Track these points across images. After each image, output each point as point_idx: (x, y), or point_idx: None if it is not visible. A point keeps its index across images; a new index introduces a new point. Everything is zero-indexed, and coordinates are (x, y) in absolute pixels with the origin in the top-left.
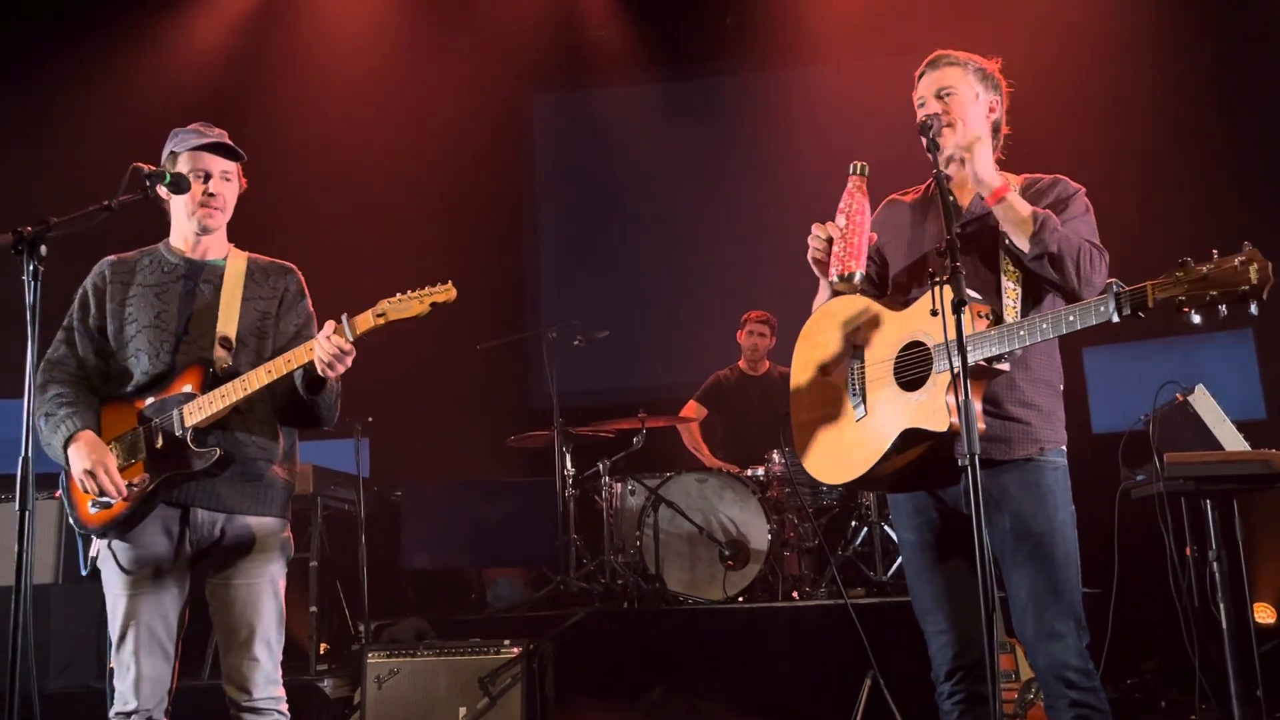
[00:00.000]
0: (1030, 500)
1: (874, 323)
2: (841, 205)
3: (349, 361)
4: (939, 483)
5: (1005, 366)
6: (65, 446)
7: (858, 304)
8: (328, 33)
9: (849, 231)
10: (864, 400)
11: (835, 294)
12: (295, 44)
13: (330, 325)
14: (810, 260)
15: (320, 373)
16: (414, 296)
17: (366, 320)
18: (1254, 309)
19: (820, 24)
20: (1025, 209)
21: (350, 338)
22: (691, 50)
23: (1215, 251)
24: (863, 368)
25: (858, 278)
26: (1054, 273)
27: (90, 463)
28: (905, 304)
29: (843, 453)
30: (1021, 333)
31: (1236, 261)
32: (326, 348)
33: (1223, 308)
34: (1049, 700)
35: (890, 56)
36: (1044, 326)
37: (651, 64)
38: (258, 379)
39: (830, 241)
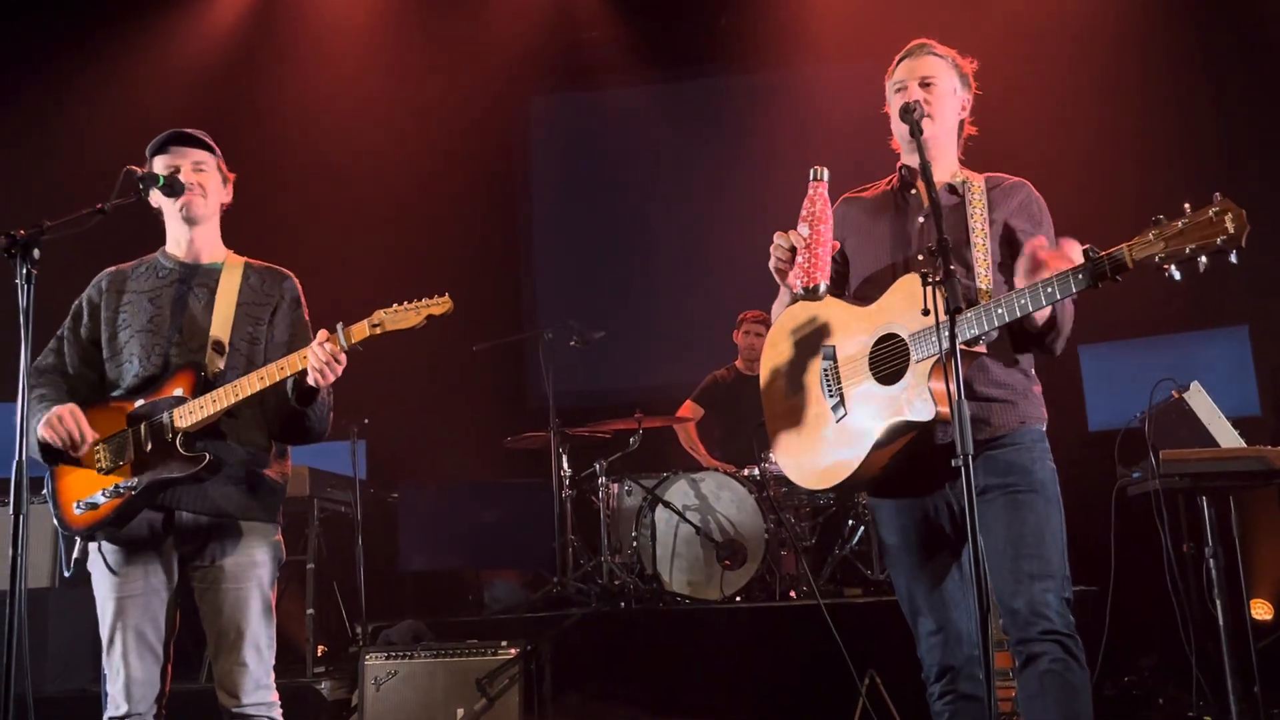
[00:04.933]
0: (1008, 458)
1: (842, 321)
2: (804, 213)
3: (339, 370)
4: (925, 489)
5: (983, 349)
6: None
7: (822, 305)
8: (323, 36)
9: (813, 241)
10: (842, 400)
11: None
12: (290, 47)
13: (323, 333)
14: (772, 269)
15: (311, 381)
16: (410, 308)
17: (361, 330)
18: (1234, 258)
19: (815, 25)
20: (1045, 314)
21: (344, 346)
22: (687, 51)
23: (1187, 205)
24: (836, 367)
25: (822, 289)
26: (1044, 332)
27: (64, 410)
28: (870, 300)
29: (826, 456)
30: (1000, 310)
31: (1211, 213)
32: (319, 355)
33: (1203, 259)
34: (1021, 650)
35: (885, 58)
36: (1022, 302)
37: (647, 65)
38: (250, 385)
39: (794, 251)
